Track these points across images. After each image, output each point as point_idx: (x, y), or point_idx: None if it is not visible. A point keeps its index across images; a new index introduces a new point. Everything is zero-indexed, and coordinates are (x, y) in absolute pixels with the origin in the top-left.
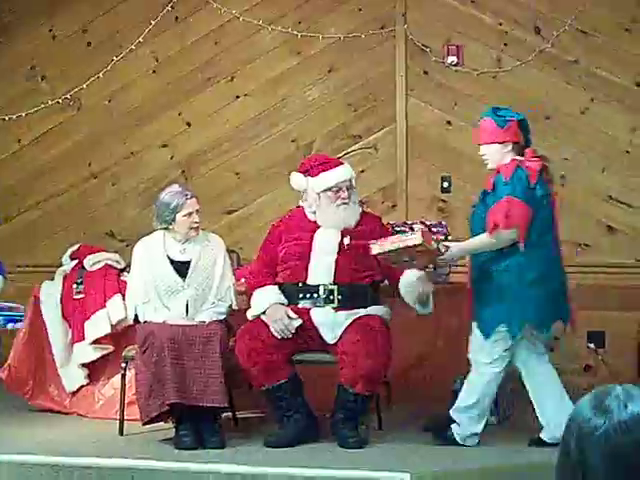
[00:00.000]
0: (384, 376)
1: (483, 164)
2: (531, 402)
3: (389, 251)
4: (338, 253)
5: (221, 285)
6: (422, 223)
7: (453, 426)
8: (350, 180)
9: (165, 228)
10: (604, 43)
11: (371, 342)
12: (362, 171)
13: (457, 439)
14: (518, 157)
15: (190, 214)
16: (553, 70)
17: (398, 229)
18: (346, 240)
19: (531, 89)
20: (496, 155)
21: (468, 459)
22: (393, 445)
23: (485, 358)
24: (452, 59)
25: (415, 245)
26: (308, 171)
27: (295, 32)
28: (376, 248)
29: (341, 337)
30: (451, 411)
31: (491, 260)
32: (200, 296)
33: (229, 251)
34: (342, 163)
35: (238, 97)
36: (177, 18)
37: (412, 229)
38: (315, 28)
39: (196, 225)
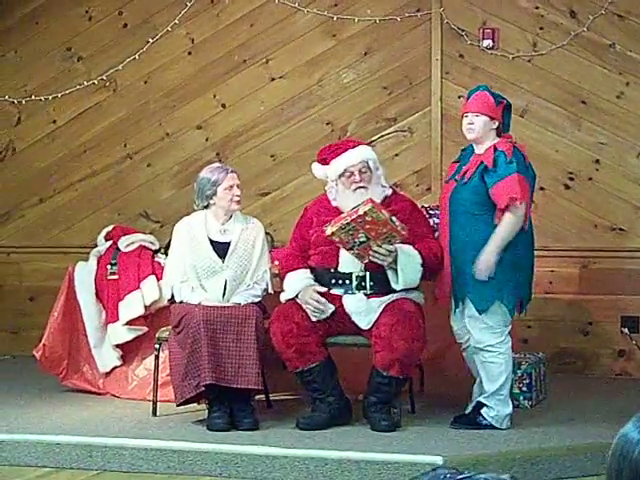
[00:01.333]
0: (418, 360)
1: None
2: (566, 387)
3: (342, 230)
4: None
5: (258, 268)
6: (423, 208)
7: (483, 411)
8: (365, 162)
9: (206, 207)
10: None
11: (406, 326)
12: (396, 154)
13: (492, 423)
14: (508, 138)
15: (231, 187)
16: (589, 54)
17: (432, 212)
18: None
19: (566, 73)
20: (483, 127)
21: (500, 443)
22: (426, 429)
23: (496, 338)
24: (487, 42)
25: (365, 213)
26: (324, 160)
27: (330, 14)
28: (328, 229)
29: (376, 321)
30: (480, 398)
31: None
32: (238, 277)
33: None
34: (356, 146)
35: (273, 79)
36: (212, 0)
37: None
38: (351, 11)
39: (238, 199)
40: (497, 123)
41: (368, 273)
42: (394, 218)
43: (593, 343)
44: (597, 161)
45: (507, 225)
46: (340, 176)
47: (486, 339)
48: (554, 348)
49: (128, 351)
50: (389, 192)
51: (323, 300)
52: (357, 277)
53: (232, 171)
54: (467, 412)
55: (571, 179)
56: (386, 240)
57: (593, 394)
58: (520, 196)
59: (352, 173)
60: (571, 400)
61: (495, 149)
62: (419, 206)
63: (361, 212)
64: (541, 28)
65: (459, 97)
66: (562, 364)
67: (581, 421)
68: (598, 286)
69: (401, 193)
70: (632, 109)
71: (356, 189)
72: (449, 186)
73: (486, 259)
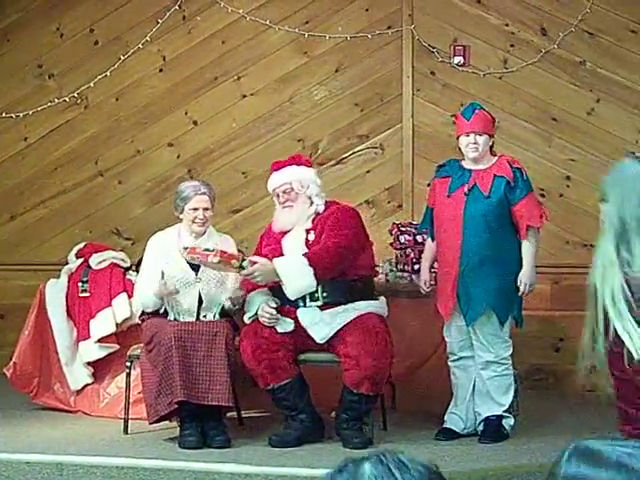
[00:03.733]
0: (388, 376)
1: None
2: (538, 403)
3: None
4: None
5: (235, 284)
6: (394, 225)
7: (504, 422)
8: (289, 183)
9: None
10: (610, 44)
11: (373, 343)
12: (368, 171)
13: (509, 432)
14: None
15: (196, 209)
16: (559, 71)
17: (403, 229)
18: (310, 236)
19: (537, 90)
20: (485, 146)
21: (472, 459)
22: (397, 445)
23: (507, 349)
24: (458, 59)
25: (215, 262)
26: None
27: (302, 32)
28: (185, 254)
29: (339, 337)
30: (502, 411)
31: (511, 249)
32: (212, 291)
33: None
34: (286, 165)
35: (245, 96)
36: (184, 17)
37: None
38: (322, 28)
39: (200, 222)
40: (492, 140)
41: (320, 285)
42: (245, 263)
43: (565, 359)
44: (568, 177)
45: (537, 240)
46: (273, 194)
47: (502, 352)
48: (526, 365)
49: (99, 369)
50: (321, 208)
51: (273, 311)
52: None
53: (203, 193)
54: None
55: (542, 195)
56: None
57: (565, 410)
58: (544, 217)
59: (277, 194)
60: (544, 416)
61: (510, 165)
62: (345, 210)
63: (210, 260)
64: (512, 45)
65: (452, 116)
66: (534, 380)
67: (553, 438)
68: (570, 302)
69: (338, 204)
70: (602, 126)
71: (283, 208)
72: (455, 201)
73: (531, 274)
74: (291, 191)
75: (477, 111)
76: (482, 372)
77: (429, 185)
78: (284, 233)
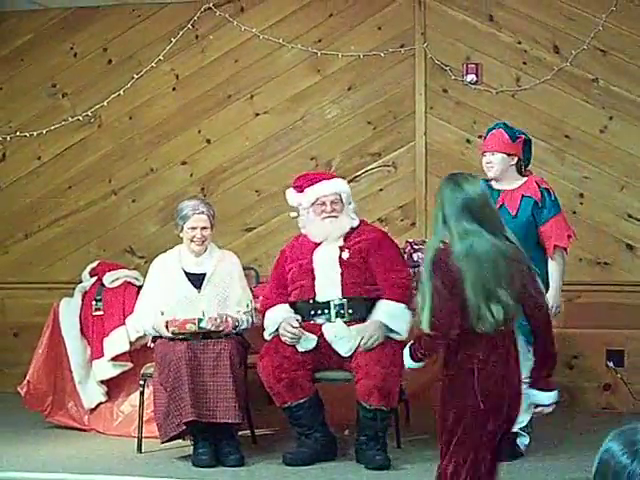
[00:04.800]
0: (400, 391)
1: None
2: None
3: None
4: (341, 268)
5: (242, 299)
6: (407, 242)
7: (519, 441)
8: (338, 194)
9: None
10: (623, 61)
11: (383, 352)
12: (381, 189)
13: (523, 450)
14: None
15: (194, 228)
16: (572, 89)
17: (417, 247)
18: (344, 254)
19: (550, 107)
20: (501, 165)
21: None
22: (412, 464)
23: (529, 368)
24: (471, 77)
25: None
26: (299, 187)
27: (315, 50)
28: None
29: (355, 352)
30: (517, 429)
31: (539, 269)
32: (215, 308)
33: (248, 268)
34: (331, 178)
35: (258, 115)
36: (197, 36)
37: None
38: (335, 46)
39: (197, 240)
40: (516, 159)
41: (346, 300)
42: (203, 323)
43: (578, 377)
44: (581, 195)
45: (563, 261)
46: (312, 204)
47: (525, 371)
48: None
49: (113, 387)
50: (356, 223)
51: (296, 330)
52: (335, 305)
53: (201, 212)
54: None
55: None
56: None
57: (578, 428)
58: (573, 234)
59: (324, 203)
60: (557, 434)
61: (539, 186)
62: (391, 238)
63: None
64: (524, 63)
65: (479, 137)
66: None
67: (567, 455)
68: (583, 320)
69: (372, 225)
70: (615, 143)
71: (325, 218)
72: None
73: (557, 296)
74: (339, 202)
75: (495, 130)
76: None
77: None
78: (314, 247)
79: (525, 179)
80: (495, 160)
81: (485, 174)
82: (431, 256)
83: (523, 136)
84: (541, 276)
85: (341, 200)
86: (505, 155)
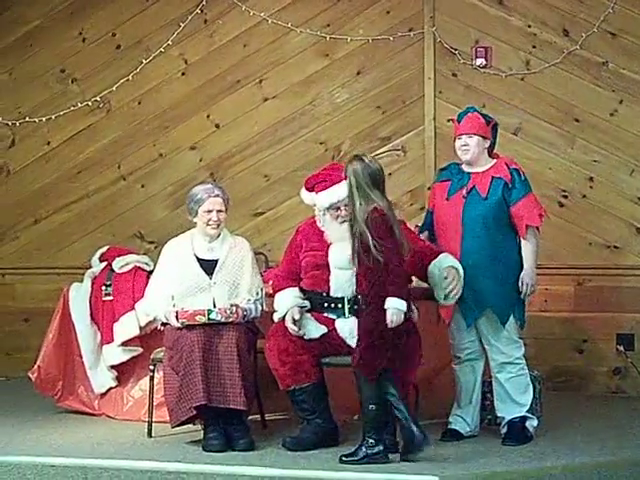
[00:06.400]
0: (412, 380)
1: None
2: (561, 405)
3: None
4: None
5: (252, 286)
6: (416, 227)
7: (527, 424)
8: None
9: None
10: (633, 44)
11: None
12: (390, 174)
13: (533, 433)
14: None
15: (209, 211)
16: (582, 72)
17: None
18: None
19: (560, 91)
20: (477, 147)
21: (495, 462)
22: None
23: (519, 349)
24: (480, 61)
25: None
26: (312, 188)
27: (323, 34)
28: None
29: None
30: (525, 412)
31: (511, 250)
32: (226, 295)
33: (257, 253)
34: (341, 180)
35: (266, 99)
36: (206, 21)
37: None
38: (343, 30)
39: (214, 224)
40: (488, 142)
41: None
42: (213, 315)
43: (588, 361)
44: (591, 179)
45: (536, 240)
46: (327, 209)
47: (514, 352)
48: (549, 366)
49: (123, 372)
50: None
51: (295, 327)
52: (349, 301)
53: (217, 195)
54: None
55: (565, 197)
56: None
57: (588, 412)
58: (544, 213)
59: (338, 208)
60: (566, 418)
61: (508, 167)
62: (411, 226)
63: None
64: (534, 46)
65: (448, 120)
66: (557, 382)
67: (577, 439)
68: (593, 304)
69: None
70: (625, 127)
71: (342, 222)
72: (454, 203)
73: (532, 274)
74: None
75: (469, 114)
76: (498, 375)
77: (429, 189)
78: (328, 245)
79: (494, 161)
80: (472, 143)
81: (456, 157)
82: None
83: (493, 120)
84: (514, 257)
85: None
86: (481, 138)
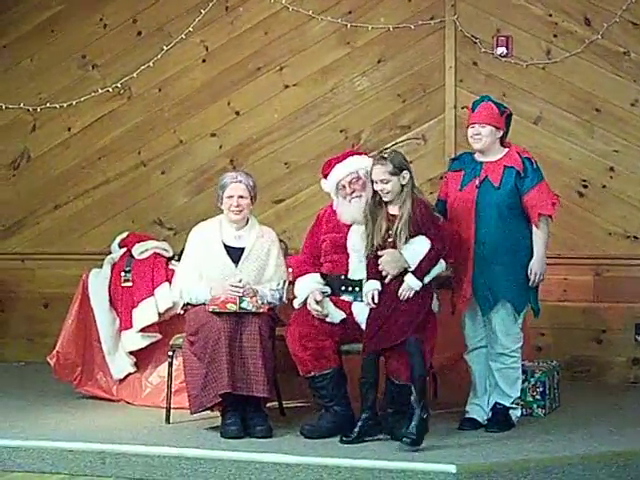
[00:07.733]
0: (430, 366)
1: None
2: (579, 395)
3: None
4: None
5: (274, 276)
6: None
7: (511, 412)
8: (354, 172)
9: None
10: None
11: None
12: (410, 162)
13: (515, 422)
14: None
15: (231, 197)
16: (603, 62)
17: None
18: None
19: (581, 81)
20: (490, 137)
21: (513, 451)
22: (439, 437)
23: (518, 341)
24: (501, 50)
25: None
26: (325, 175)
27: (344, 22)
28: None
29: None
30: (509, 403)
31: (524, 239)
32: (252, 283)
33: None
34: (345, 158)
35: (287, 87)
36: (227, 8)
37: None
38: (365, 18)
39: (235, 209)
40: (501, 132)
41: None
42: (244, 304)
43: (607, 351)
44: (611, 169)
45: (547, 229)
46: (336, 189)
47: (512, 344)
48: (567, 356)
49: (142, 358)
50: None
51: (318, 307)
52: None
53: (239, 181)
54: (482, 416)
55: (585, 187)
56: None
57: (606, 402)
58: (557, 201)
59: (343, 186)
60: (584, 408)
61: (520, 155)
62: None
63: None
64: (555, 36)
65: (462, 108)
66: (575, 372)
67: (595, 429)
68: (612, 294)
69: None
70: None
71: (350, 200)
72: (467, 193)
73: (541, 263)
74: (358, 180)
75: (484, 102)
76: (491, 363)
77: (441, 178)
78: (348, 227)
79: (506, 150)
80: (484, 132)
81: (470, 146)
82: None
83: (507, 110)
84: (528, 246)
85: (360, 177)
86: (494, 128)
